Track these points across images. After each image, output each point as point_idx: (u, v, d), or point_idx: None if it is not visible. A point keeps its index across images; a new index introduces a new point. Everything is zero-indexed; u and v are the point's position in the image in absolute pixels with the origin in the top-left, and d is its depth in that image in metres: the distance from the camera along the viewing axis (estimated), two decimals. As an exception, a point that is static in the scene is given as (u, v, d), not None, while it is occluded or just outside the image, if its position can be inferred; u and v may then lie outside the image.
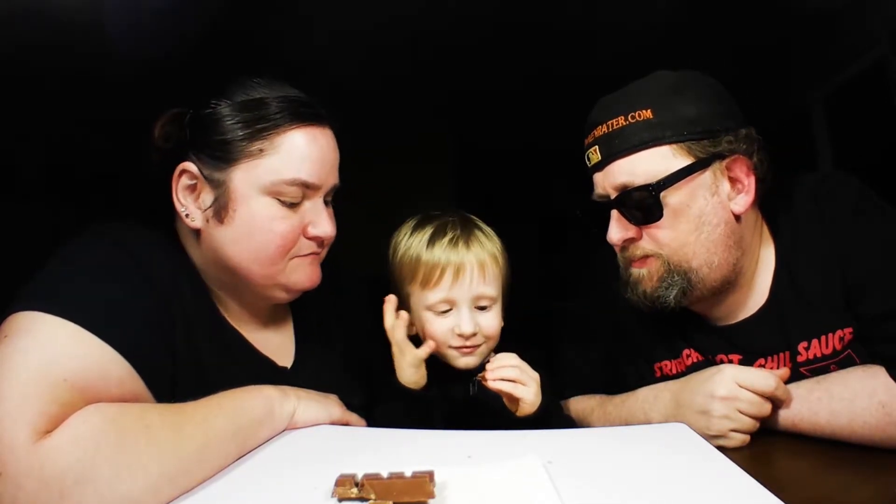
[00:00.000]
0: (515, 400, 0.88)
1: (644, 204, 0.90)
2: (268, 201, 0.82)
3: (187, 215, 0.84)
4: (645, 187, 0.89)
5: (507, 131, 4.08)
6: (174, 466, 0.62)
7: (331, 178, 0.89)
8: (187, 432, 0.65)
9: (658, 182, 0.88)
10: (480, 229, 1.03)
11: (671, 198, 0.89)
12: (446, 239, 0.98)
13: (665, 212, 0.89)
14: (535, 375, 0.89)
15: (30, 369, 0.61)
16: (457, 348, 0.98)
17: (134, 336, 0.70)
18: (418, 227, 1.03)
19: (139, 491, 0.58)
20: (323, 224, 0.87)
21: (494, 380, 0.87)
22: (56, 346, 0.64)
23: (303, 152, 0.84)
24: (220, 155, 0.82)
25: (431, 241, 0.98)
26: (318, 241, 0.89)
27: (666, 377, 1.04)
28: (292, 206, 0.84)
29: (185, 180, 0.84)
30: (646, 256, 0.93)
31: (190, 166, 0.83)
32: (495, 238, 1.04)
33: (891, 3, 2.43)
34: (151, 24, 2.22)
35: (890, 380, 0.79)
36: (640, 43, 2.33)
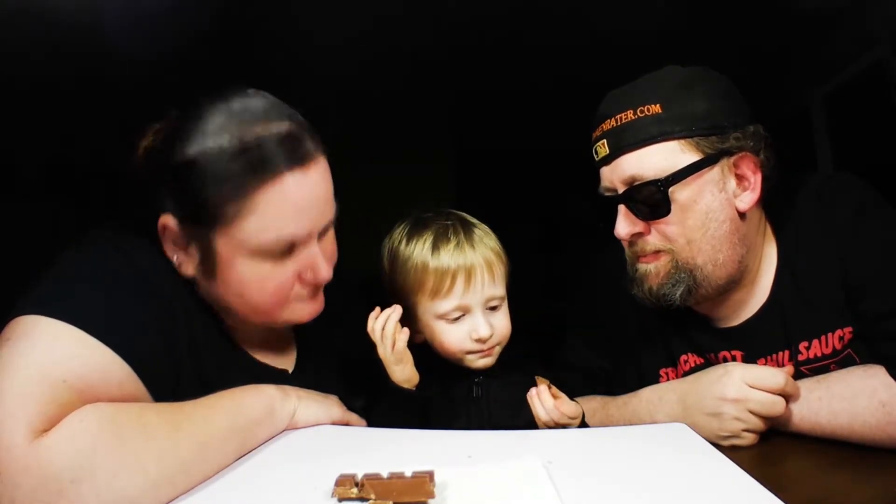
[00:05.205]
0: None
1: (652, 199, 0.89)
2: (255, 262, 0.78)
3: (180, 265, 0.80)
4: (653, 182, 0.88)
5: (507, 132, 4.08)
6: (173, 465, 0.62)
7: (324, 217, 0.82)
8: (186, 431, 0.65)
9: (666, 177, 0.88)
10: (478, 227, 1.00)
11: (679, 193, 0.88)
12: (452, 245, 0.94)
13: (673, 207, 0.88)
14: (580, 413, 0.89)
15: (29, 370, 0.60)
16: (475, 352, 0.96)
17: (135, 339, 0.70)
18: (415, 234, 0.98)
19: (137, 490, 0.58)
20: (319, 270, 0.82)
21: (548, 422, 0.86)
22: (56, 349, 0.63)
23: (283, 207, 0.75)
24: (196, 217, 0.76)
25: (436, 247, 0.94)
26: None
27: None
28: (284, 254, 0.79)
29: (168, 233, 0.79)
30: (656, 252, 0.93)
31: (169, 222, 0.78)
32: (492, 234, 1.01)
33: (891, 4, 2.43)
34: (151, 24, 2.23)
35: (890, 379, 0.79)
36: (639, 43, 2.33)
